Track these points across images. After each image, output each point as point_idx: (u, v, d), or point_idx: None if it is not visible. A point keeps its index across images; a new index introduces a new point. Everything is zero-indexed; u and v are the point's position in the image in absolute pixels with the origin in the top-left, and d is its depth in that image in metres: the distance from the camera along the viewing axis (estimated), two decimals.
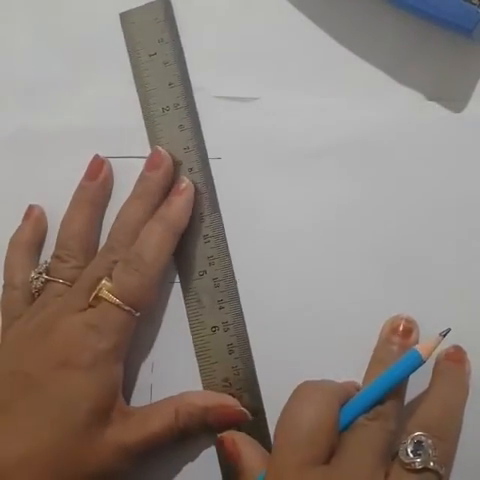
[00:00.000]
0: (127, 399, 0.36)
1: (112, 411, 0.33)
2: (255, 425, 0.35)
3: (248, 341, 0.35)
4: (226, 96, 0.38)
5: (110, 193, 0.38)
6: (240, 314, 0.36)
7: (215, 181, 0.37)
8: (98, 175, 0.37)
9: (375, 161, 0.36)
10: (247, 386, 0.35)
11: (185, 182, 0.36)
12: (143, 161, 0.37)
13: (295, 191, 0.36)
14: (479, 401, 0.32)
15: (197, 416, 0.33)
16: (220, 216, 0.37)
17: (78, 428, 0.31)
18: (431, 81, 0.36)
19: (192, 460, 0.35)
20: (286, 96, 0.37)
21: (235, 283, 0.36)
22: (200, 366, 0.36)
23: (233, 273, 0.36)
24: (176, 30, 0.39)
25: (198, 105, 0.38)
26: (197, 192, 0.37)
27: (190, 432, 0.33)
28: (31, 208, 0.38)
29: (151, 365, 0.36)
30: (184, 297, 0.36)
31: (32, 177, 0.39)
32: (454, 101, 0.36)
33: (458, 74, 0.36)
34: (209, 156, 0.37)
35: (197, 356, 0.36)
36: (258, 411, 0.35)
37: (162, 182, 0.36)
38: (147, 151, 0.37)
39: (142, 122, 0.38)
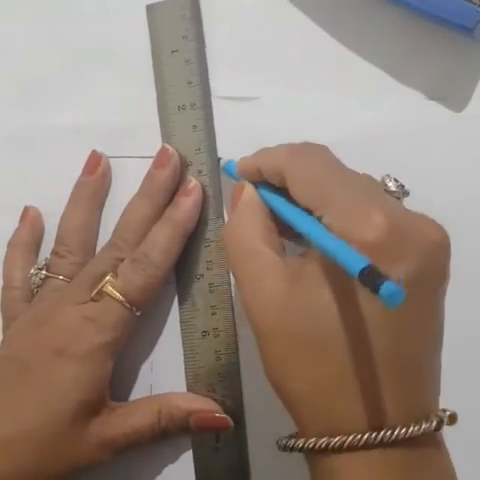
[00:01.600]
0: (127, 399, 0.37)
1: (99, 404, 0.33)
2: (234, 434, 0.35)
3: (237, 350, 0.36)
4: (226, 96, 0.38)
5: (108, 189, 0.38)
6: (231, 322, 0.36)
7: None
8: (96, 170, 0.37)
9: (375, 161, 0.35)
10: (230, 394, 0.36)
11: (193, 182, 0.36)
12: (147, 161, 0.37)
13: None
14: None
15: (179, 418, 0.34)
16: (224, 222, 0.37)
17: (65, 417, 0.32)
18: (431, 81, 0.36)
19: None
20: (286, 96, 0.37)
21: (230, 291, 0.36)
22: (186, 368, 0.36)
23: (230, 280, 0.36)
24: (201, 28, 0.38)
25: None
26: (204, 195, 0.37)
27: (171, 433, 0.34)
28: (26, 210, 0.38)
29: (151, 365, 0.37)
30: (179, 299, 0.37)
31: (32, 177, 0.39)
32: (454, 101, 0.35)
33: (458, 74, 0.36)
34: None
35: (185, 358, 0.36)
36: (239, 420, 0.35)
37: (169, 180, 0.36)
38: (154, 150, 0.37)
39: (146, 121, 0.38)
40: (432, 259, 0.26)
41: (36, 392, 0.32)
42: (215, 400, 0.35)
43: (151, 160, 0.37)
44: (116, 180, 0.38)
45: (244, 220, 0.30)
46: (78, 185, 0.37)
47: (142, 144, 0.38)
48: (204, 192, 0.37)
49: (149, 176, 0.37)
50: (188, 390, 0.36)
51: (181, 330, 0.36)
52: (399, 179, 0.31)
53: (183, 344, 0.36)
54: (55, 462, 0.32)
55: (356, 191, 0.27)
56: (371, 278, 0.21)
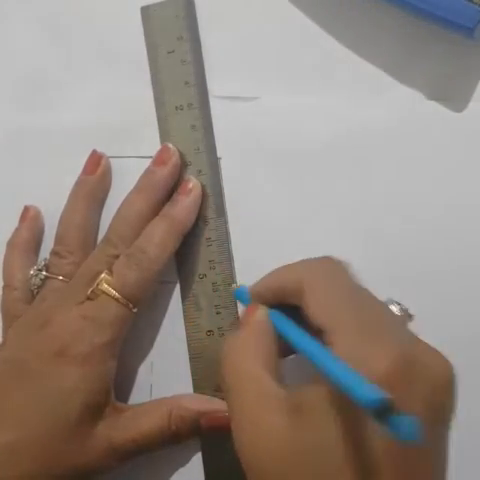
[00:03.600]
0: (127, 399, 0.36)
1: (104, 406, 0.33)
2: None
3: None
4: (226, 95, 0.38)
5: (108, 188, 0.38)
6: (236, 321, 0.36)
7: None
8: (96, 169, 0.37)
9: (375, 161, 0.36)
10: None
11: (193, 182, 0.36)
12: (147, 161, 0.37)
13: (296, 191, 0.36)
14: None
15: (190, 420, 0.33)
16: (225, 221, 0.37)
17: (69, 421, 0.31)
18: (431, 81, 0.36)
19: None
20: (286, 96, 0.37)
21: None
22: (192, 369, 0.36)
23: (233, 279, 0.36)
24: (197, 29, 0.38)
25: None
26: (204, 194, 0.37)
27: (181, 436, 0.33)
28: (26, 209, 0.38)
29: (150, 365, 0.36)
30: (182, 298, 0.36)
31: (32, 177, 0.38)
32: (454, 101, 0.35)
33: (458, 74, 0.36)
34: None
35: (190, 358, 0.36)
36: None
37: (168, 178, 0.36)
38: (154, 150, 0.37)
39: (146, 121, 0.38)
40: (438, 396, 0.24)
41: (39, 396, 0.32)
42: (222, 400, 0.35)
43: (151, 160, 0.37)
44: (115, 180, 0.38)
45: (249, 340, 0.28)
46: (77, 185, 0.37)
47: (142, 144, 0.38)
48: (204, 191, 0.37)
49: (147, 173, 0.36)
50: (194, 391, 0.35)
51: (186, 330, 0.36)
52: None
53: (188, 344, 0.36)
54: (61, 468, 0.31)
55: (371, 319, 0.26)
56: (385, 412, 0.20)
